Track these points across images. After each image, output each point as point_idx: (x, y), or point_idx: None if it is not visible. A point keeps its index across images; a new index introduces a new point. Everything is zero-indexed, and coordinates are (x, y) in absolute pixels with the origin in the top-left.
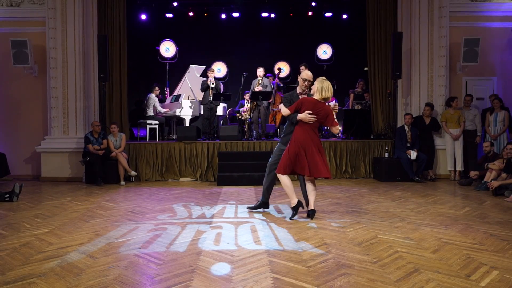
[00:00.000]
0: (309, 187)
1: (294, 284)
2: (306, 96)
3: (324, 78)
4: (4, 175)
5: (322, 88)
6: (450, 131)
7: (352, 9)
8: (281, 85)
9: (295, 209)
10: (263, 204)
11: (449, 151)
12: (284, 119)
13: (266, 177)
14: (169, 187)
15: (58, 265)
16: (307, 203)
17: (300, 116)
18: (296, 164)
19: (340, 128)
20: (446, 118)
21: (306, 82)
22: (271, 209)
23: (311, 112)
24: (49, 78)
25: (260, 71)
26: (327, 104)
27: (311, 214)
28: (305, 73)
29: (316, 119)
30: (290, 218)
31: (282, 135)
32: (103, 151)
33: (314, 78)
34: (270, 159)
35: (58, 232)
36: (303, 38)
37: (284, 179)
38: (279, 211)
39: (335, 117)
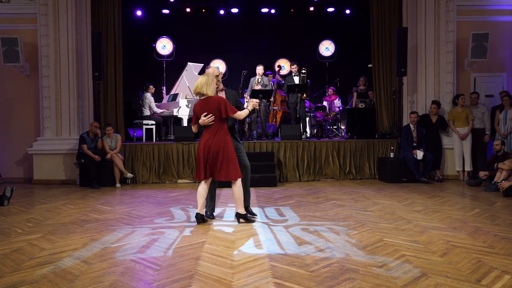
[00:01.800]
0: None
1: None
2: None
3: (204, 75)
4: None
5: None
6: (457, 130)
7: (355, 4)
8: (282, 82)
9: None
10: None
11: (457, 151)
12: (285, 118)
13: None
14: (167, 189)
15: (51, 271)
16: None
17: (200, 122)
18: (205, 168)
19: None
20: (454, 116)
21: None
22: (272, 212)
23: (206, 113)
24: (41, 77)
25: (260, 69)
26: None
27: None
28: (211, 69)
29: (213, 117)
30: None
31: None
32: (100, 158)
33: (321, 76)
34: None
35: (51, 237)
36: (305, 34)
37: (199, 187)
38: (281, 214)
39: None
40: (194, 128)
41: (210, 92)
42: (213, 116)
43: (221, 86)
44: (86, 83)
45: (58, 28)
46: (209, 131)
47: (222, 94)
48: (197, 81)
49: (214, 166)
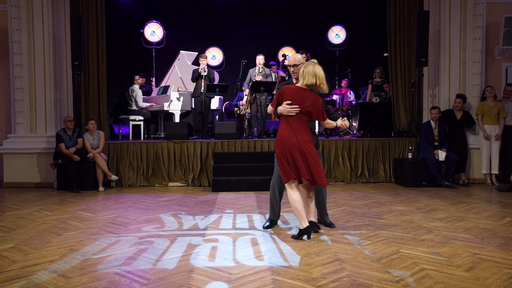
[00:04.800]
0: (304, 195)
1: None
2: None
3: (314, 61)
4: None
5: (303, 72)
6: (485, 127)
7: None
8: (286, 73)
9: (301, 233)
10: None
11: (484, 151)
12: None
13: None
14: (156, 193)
15: (23, 286)
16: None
17: (279, 109)
18: (291, 167)
19: (356, 124)
20: (483, 111)
21: (291, 68)
22: None
23: (290, 102)
24: (13, 65)
25: (260, 59)
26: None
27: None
28: (291, 58)
29: (298, 110)
30: (292, 237)
31: None
32: (79, 158)
33: (330, 66)
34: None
35: (23, 248)
36: (312, 19)
37: (291, 195)
38: (284, 221)
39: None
40: (269, 110)
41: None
42: (299, 110)
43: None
44: (65, 73)
45: (32, 10)
46: (289, 126)
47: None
48: (318, 72)
49: (304, 167)
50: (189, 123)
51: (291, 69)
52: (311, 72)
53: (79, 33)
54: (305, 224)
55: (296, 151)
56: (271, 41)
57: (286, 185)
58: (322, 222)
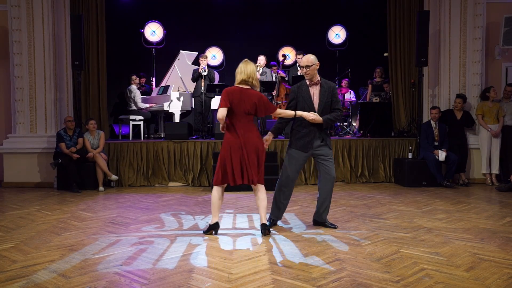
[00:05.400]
0: (258, 196)
1: None
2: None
3: (245, 60)
4: None
5: (236, 72)
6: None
7: None
8: (286, 73)
9: (210, 228)
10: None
11: (484, 151)
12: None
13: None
14: (156, 193)
15: (23, 286)
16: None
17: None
18: (227, 171)
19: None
20: (483, 111)
21: (303, 70)
22: None
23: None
24: (13, 65)
25: (261, 59)
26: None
27: (262, 229)
28: (303, 59)
29: (224, 123)
30: (203, 232)
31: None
32: (78, 156)
33: (330, 66)
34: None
35: (23, 248)
36: (312, 19)
37: (214, 192)
38: (284, 221)
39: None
40: (223, 113)
41: (258, 86)
42: (225, 123)
43: (317, 78)
44: (65, 73)
45: (32, 10)
46: (232, 128)
47: (317, 88)
48: (246, 68)
49: (251, 167)
50: (189, 123)
51: (304, 70)
52: (239, 70)
53: (79, 33)
54: (215, 220)
55: (238, 153)
56: (271, 41)
57: (214, 185)
58: (322, 223)
